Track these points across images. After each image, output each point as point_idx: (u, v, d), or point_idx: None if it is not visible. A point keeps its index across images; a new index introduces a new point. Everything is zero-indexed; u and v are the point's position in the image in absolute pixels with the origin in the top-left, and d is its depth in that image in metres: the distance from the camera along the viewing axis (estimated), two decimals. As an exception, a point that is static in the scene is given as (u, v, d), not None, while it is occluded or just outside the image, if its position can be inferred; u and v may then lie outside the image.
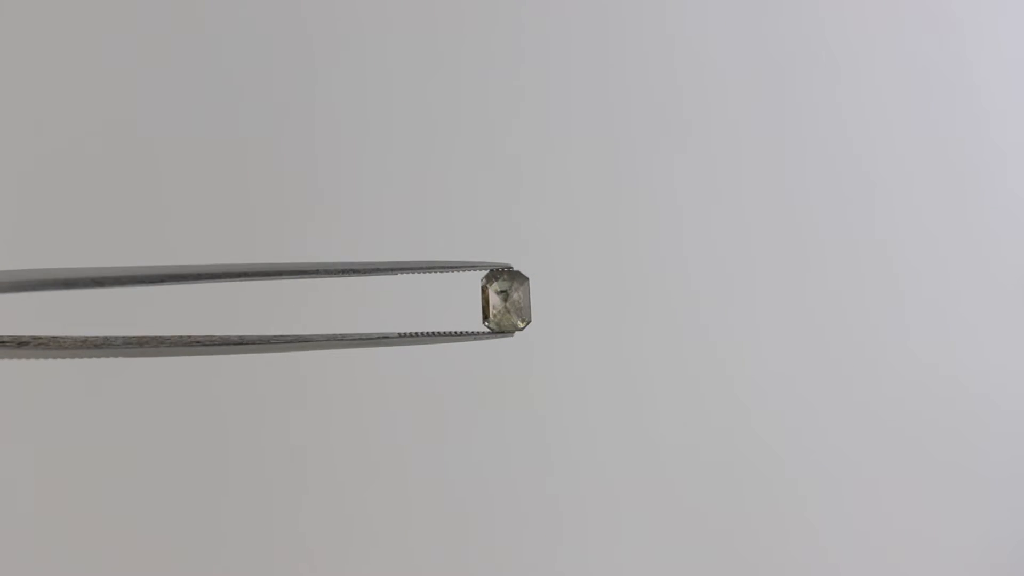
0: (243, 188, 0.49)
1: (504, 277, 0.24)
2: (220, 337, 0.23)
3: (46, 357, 0.21)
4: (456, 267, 0.24)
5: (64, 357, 0.21)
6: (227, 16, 0.50)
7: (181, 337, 0.23)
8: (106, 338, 0.22)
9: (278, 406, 0.48)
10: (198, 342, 0.23)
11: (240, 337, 0.23)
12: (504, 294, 0.24)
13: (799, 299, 0.54)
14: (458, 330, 0.24)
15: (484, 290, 0.24)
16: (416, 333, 0.24)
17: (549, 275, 0.50)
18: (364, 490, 0.48)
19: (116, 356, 0.22)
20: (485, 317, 0.24)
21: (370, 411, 0.49)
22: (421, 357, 0.49)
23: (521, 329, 0.24)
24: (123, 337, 0.22)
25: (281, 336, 0.23)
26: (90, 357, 0.22)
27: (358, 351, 0.48)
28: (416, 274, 0.24)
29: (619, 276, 0.53)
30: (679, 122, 0.54)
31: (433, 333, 0.24)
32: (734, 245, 0.54)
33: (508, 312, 0.24)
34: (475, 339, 0.24)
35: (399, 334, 0.24)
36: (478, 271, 0.24)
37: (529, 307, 0.24)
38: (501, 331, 0.24)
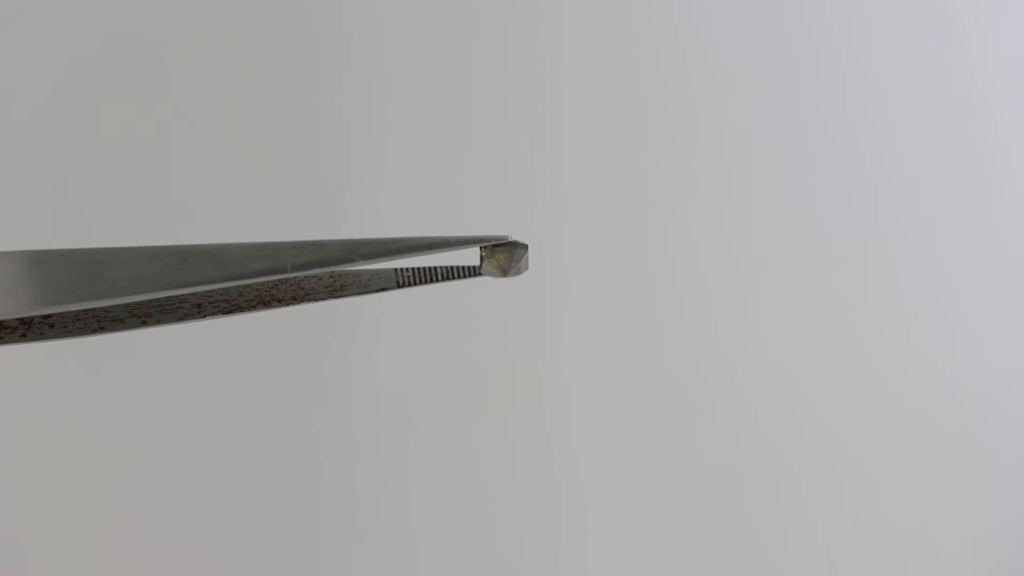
0: (251, 180, 0.49)
1: (503, 254, 0.23)
2: (221, 297, 0.23)
3: (48, 339, 0.22)
4: (458, 243, 0.23)
5: (64, 337, 0.22)
6: (264, 11, 0.51)
7: (183, 302, 0.23)
8: (106, 310, 0.22)
9: (281, 400, 0.49)
10: (199, 306, 0.23)
11: (240, 293, 0.23)
12: (502, 260, 0.24)
13: (803, 297, 0.54)
14: (455, 265, 0.24)
15: (482, 260, 0.24)
16: (414, 276, 0.24)
17: (557, 275, 0.51)
18: (366, 488, 0.49)
19: (119, 331, 0.22)
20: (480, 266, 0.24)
21: (374, 409, 0.49)
22: (426, 351, 0.50)
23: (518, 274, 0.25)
24: (123, 307, 0.22)
25: (281, 293, 0.23)
26: (92, 335, 0.22)
27: (361, 339, 0.49)
28: (420, 255, 0.23)
29: (626, 277, 0.52)
30: (688, 122, 0.54)
31: (430, 277, 0.24)
32: (740, 244, 0.53)
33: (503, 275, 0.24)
34: (470, 277, 0.25)
35: (397, 281, 0.24)
36: (479, 245, 0.23)
37: (527, 264, 0.24)
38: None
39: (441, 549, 0.49)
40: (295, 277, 0.23)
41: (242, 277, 0.21)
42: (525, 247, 0.24)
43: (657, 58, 0.54)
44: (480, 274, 0.24)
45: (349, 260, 0.22)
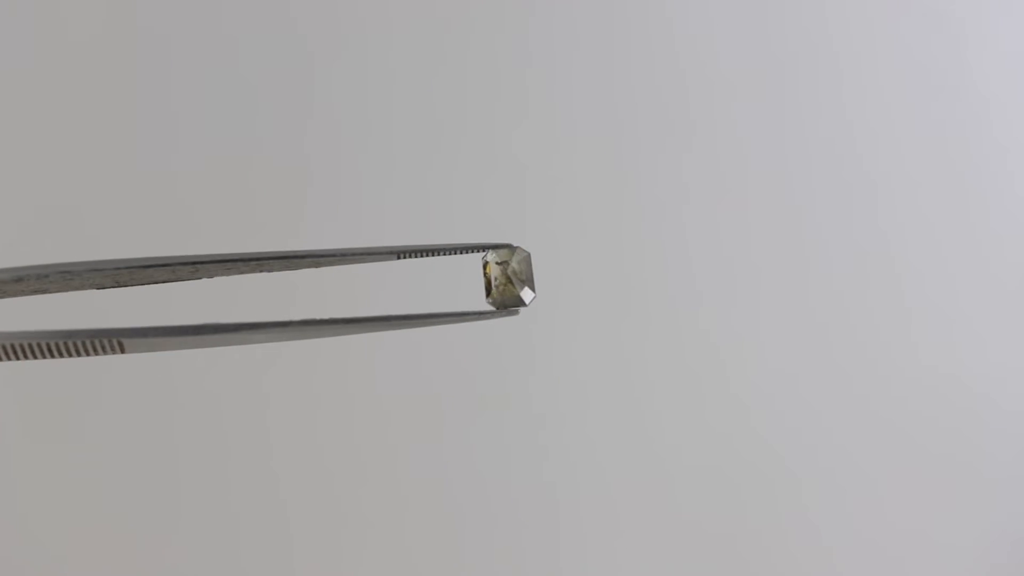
0: (247, 184, 0.50)
1: (504, 251, 0.23)
2: (214, 325, 0.22)
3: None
4: (456, 249, 0.23)
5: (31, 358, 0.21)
6: (241, 11, 0.51)
7: (179, 327, 0.22)
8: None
9: (275, 405, 0.48)
10: (198, 330, 0.22)
11: (243, 324, 0.22)
12: (505, 264, 0.23)
13: (801, 298, 0.54)
14: (463, 310, 0.24)
15: (486, 267, 0.24)
16: (420, 315, 0.23)
17: (553, 277, 0.50)
18: (361, 490, 0.48)
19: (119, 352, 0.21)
20: (488, 294, 0.24)
21: (368, 411, 0.49)
22: (419, 356, 0.49)
23: (526, 305, 0.24)
24: (117, 329, 0.22)
25: (284, 321, 0.23)
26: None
27: (359, 345, 0.48)
28: (417, 260, 0.23)
29: (621, 278, 0.53)
30: (684, 122, 0.54)
31: (438, 315, 0.24)
32: (736, 245, 0.54)
33: (510, 283, 0.23)
34: (480, 319, 0.24)
35: (403, 316, 0.23)
36: (479, 252, 0.23)
37: (532, 280, 0.24)
38: (506, 307, 0.24)
39: (436, 558, 0.47)
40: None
41: (235, 259, 0.21)
42: (526, 252, 0.24)
43: (651, 58, 0.53)
44: (492, 312, 0.24)
45: (348, 257, 0.22)
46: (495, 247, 0.23)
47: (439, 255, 0.24)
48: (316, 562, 0.47)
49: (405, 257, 0.25)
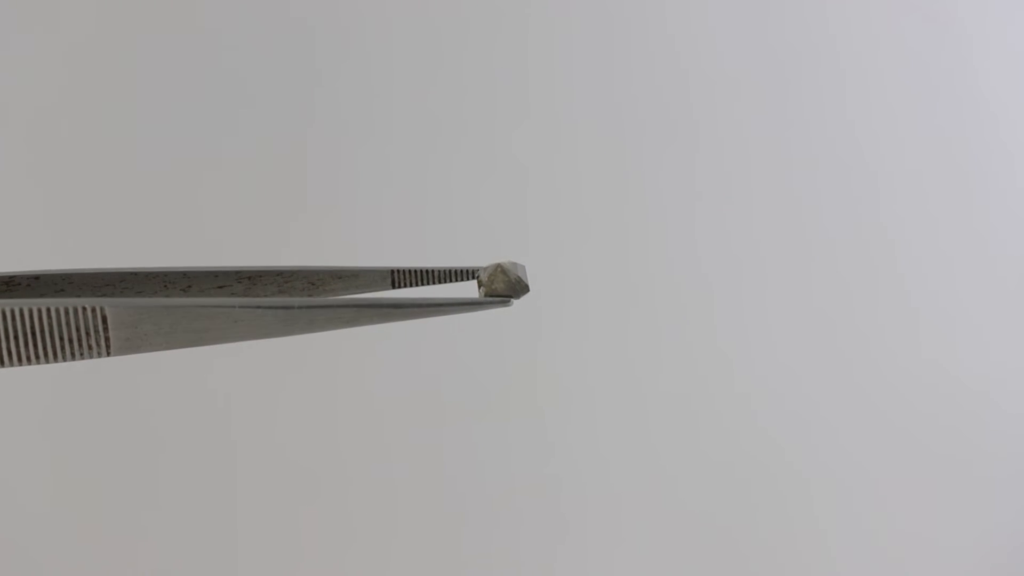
0: (248, 195, 0.50)
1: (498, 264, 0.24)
2: (202, 302, 0.22)
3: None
4: (452, 274, 0.24)
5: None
6: (238, 16, 0.52)
7: (165, 300, 0.22)
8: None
9: (270, 405, 0.48)
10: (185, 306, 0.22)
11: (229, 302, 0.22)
12: (498, 267, 0.24)
13: (805, 298, 0.54)
14: (456, 299, 0.24)
15: (479, 279, 0.24)
16: (412, 303, 0.23)
17: (555, 274, 0.50)
18: (362, 489, 0.48)
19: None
20: (480, 285, 0.24)
21: (368, 411, 0.48)
22: (421, 353, 0.49)
23: (517, 296, 0.24)
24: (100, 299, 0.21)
25: (272, 303, 0.22)
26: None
27: (357, 347, 0.46)
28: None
29: (626, 277, 0.53)
30: (688, 122, 0.54)
31: (430, 303, 0.23)
32: (742, 245, 0.54)
33: (504, 274, 0.23)
34: (473, 308, 0.23)
35: (396, 304, 0.23)
36: (474, 277, 0.24)
37: (525, 274, 0.24)
38: (498, 296, 0.23)
39: (438, 546, 0.46)
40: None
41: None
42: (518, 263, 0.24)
43: (654, 59, 0.53)
44: (482, 300, 0.24)
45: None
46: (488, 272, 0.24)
47: (435, 282, 0.25)
48: (316, 561, 0.47)
49: (400, 284, 0.25)
